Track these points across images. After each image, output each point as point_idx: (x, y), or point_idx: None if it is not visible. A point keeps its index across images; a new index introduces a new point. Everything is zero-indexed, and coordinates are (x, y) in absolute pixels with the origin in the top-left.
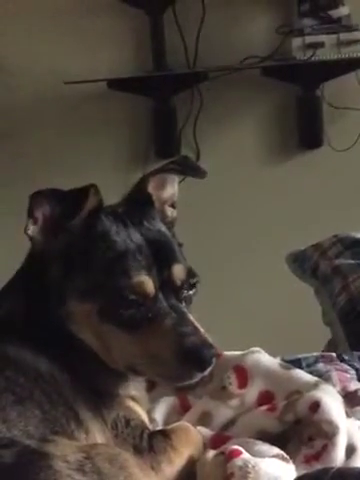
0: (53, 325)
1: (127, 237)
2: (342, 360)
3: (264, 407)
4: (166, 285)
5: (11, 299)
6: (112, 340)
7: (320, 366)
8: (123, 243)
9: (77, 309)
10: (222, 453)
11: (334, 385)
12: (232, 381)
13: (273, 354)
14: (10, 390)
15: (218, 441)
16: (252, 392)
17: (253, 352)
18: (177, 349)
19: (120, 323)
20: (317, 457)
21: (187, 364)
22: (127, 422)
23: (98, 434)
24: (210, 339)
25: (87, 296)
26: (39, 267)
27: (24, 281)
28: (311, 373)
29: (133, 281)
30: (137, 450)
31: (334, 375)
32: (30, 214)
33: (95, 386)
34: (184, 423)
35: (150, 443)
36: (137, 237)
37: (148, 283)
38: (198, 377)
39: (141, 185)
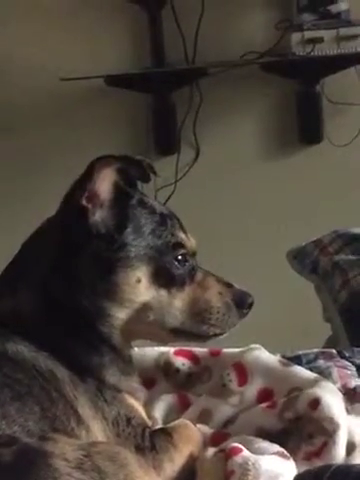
0: (78, 315)
1: (157, 203)
2: (342, 356)
3: (264, 404)
4: None
5: (23, 290)
6: (162, 304)
7: (320, 363)
8: (159, 208)
9: (127, 278)
10: (222, 451)
11: (334, 382)
12: (232, 378)
13: (273, 351)
14: (8, 386)
15: (218, 439)
16: (252, 389)
17: (253, 349)
18: (225, 298)
19: (171, 282)
20: (317, 454)
21: (234, 310)
22: (128, 420)
23: (99, 433)
24: None
25: (139, 262)
26: (76, 245)
27: (45, 268)
28: (311, 370)
29: (182, 240)
30: (139, 449)
31: (334, 372)
32: (90, 182)
33: (100, 381)
34: (184, 421)
35: (152, 442)
36: (159, 205)
37: (192, 240)
38: (238, 322)
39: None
